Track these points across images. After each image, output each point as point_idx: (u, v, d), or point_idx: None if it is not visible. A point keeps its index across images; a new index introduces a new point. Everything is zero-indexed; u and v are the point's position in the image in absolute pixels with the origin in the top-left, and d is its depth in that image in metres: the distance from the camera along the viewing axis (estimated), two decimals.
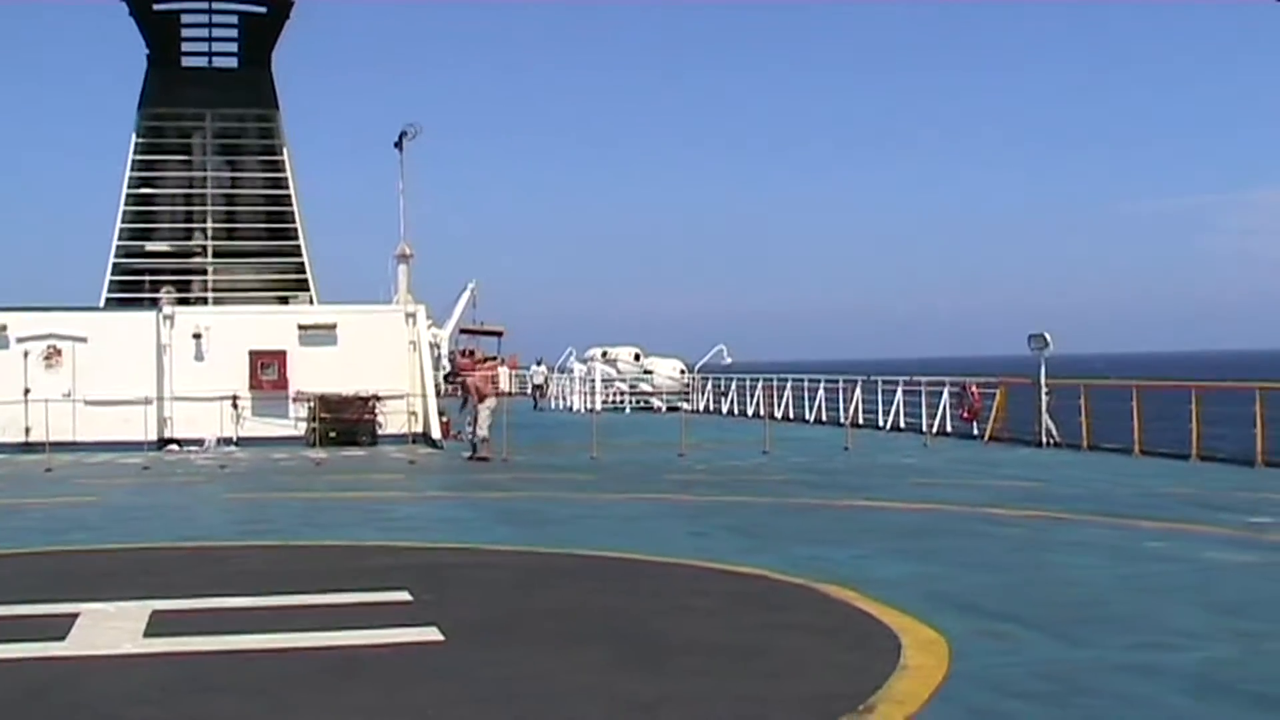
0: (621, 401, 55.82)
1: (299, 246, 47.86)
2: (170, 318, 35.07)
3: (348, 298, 41.03)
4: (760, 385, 46.12)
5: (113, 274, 46.30)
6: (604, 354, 59.63)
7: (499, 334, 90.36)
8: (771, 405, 43.41)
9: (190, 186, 48.51)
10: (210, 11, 50.70)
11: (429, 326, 42.01)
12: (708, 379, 55.01)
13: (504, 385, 74.27)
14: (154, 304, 37.22)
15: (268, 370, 34.66)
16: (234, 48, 51.17)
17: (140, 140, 48.13)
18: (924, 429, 34.76)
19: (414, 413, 35.10)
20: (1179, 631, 10.39)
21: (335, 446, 33.09)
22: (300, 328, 35.38)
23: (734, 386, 50.54)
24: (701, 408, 52.93)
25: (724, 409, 50.53)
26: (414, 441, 34.16)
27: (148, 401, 33.10)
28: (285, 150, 48.93)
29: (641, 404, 55.72)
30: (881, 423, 38.00)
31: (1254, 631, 10.42)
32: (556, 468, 27.86)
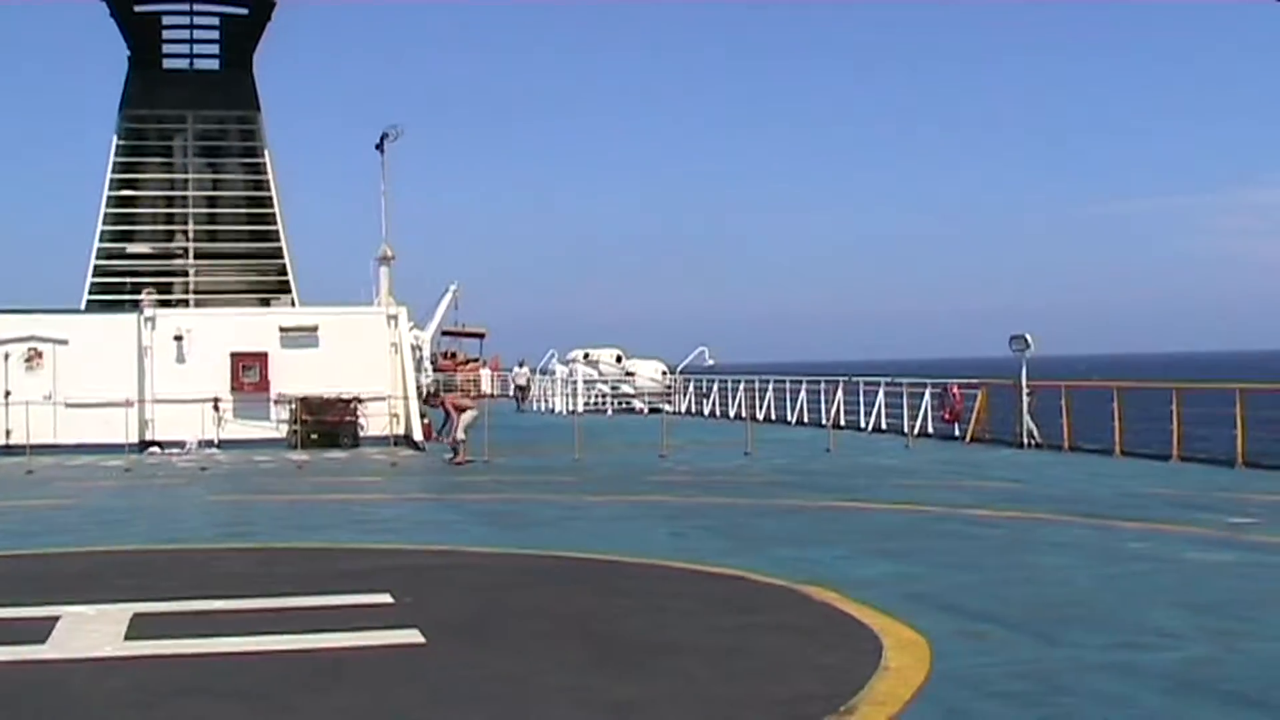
0: (603, 403, 55.81)
1: (280, 248, 47.82)
2: (151, 320, 34.97)
3: (329, 299, 40.88)
4: (742, 387, 46.18)
5: (94, 276, 46.20)
6: (586, 356, 59.62)
7: (481, 336, 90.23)
8: (753, 407, 43.46)
9: (171, 188, 48.45)
10: (192, 13, 50.67)
11: (411, 328, 41.97)
12: (690, 380, 55.04)
13: (486, 387, 74.26)
14: (135, 306, 37.09)
15: (249, 372, 34.60)
16: (215, 49, 51.14)
17: (121, 142, 48.07)
18: (906, 430, 34.82)
19: (396, 415, 35.06)
20: (1158, 631, 10.44)
21: (317, 448, 33.02)
22: (282, 330, 35.30)
23: (716, 388, 50.57)
24: (683, 409, 52.94)
25: (706, 410, 50.55)
26: (396, 443, 34.11)
27: (129, 404, 33.01)
28: (266, 152, 48.89)
29: (624, 406, 55.71)
30: (863, 424, 38.05)
31: (1232, 631, 10.47)
32: (538, 469, 27.86)
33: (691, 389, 54.15)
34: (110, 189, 47.41)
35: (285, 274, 47.49)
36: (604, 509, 20.36)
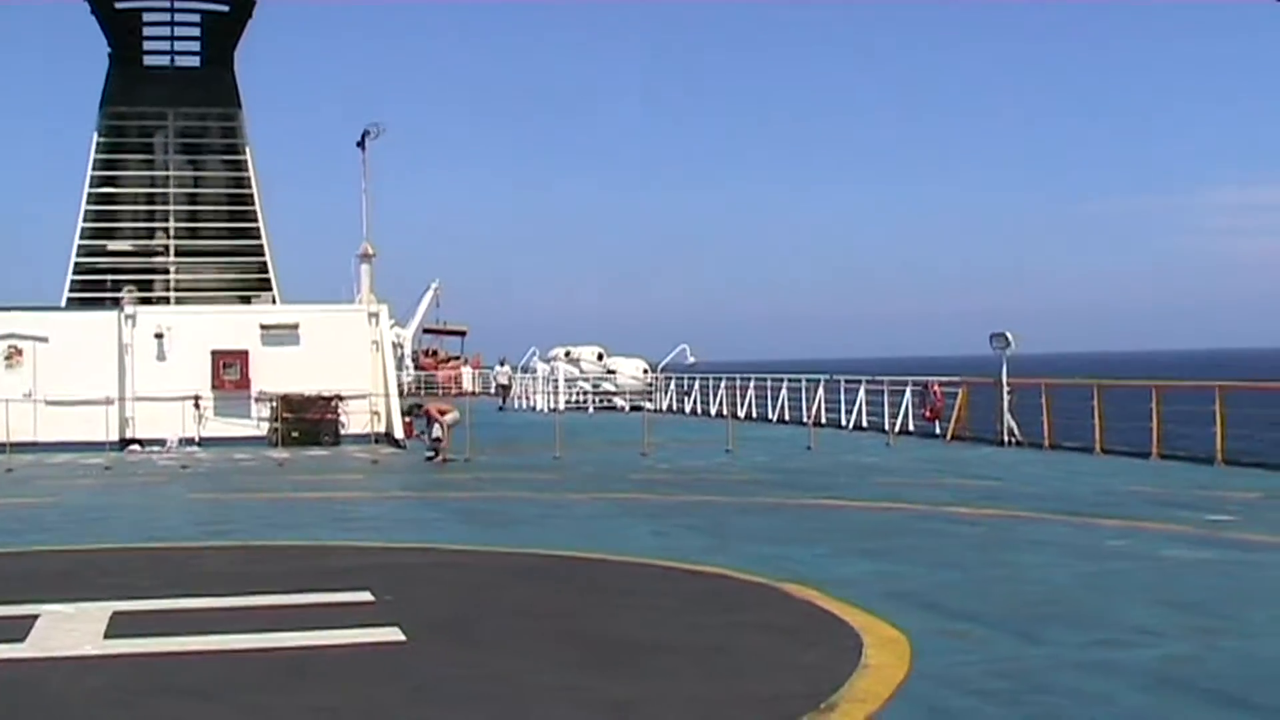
0: (585, 401, 55.78)
1: (261, 246, 47.77)
2: (132, 317, 34.87)
3: (310, 297, 40.88)
4: (723, 385, 46.23)
5: (74, 273, 46.13)
6: (567, 354, 59.59)
7: (462, 333, 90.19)
8: (735, 405, 43.51)
9: (152, 185, 48.37)
10: (172, 10, 50.60)
11: (392, 326, 41.97)
12: (671, 379, 55.05)
13: (467, 385, 74.23)
14: (116, 303, 37.01)
15: (230, 370, 34.53)
16: (196, 46, 51.07)
17: (102, 139, 47.98)
18: (887, 428, 34.86)
19: (376, 412, 35.04)
20: (1137, 629, 10.48)
21: (298, 446, 32.99)
22: (263, 327, 35.24)
23: (697, 386, 50.57)
24: (665, 407, 52.94)
25: (687, 408, 50.56)
26: (377, 441, 34.08)
27: (109, 402, 32.90)
28: (248, 149, 48.85)
29: (605, 404, 55.69)
30: (844, 422, 38.09)
31: (1211, 628, 10.52)
32: (519, 467, 27.85)
33: (673, 387, 54.18)
34: (91, 186, 47.30)
35: (266, 271, 47.44)
36: (586, 507, 20.36)
